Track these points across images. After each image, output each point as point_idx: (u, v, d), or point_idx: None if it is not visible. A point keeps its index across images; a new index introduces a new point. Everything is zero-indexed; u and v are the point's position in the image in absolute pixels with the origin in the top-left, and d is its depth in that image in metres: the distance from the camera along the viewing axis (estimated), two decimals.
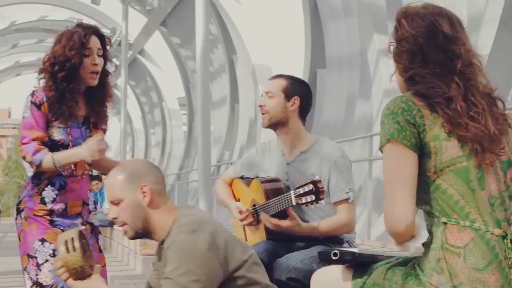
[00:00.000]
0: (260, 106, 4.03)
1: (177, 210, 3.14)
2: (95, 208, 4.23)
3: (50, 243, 3.95)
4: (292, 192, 3.72)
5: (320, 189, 3.62)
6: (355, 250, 2.64)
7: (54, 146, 3.96)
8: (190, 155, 31.01)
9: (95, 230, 4.16)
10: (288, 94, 4.00)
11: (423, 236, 2.62)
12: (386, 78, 14.00)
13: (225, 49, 25.37)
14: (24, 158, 3.94)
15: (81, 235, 3.11)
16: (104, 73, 4.14)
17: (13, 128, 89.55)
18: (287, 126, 4.01)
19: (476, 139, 2.49)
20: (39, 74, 4.06)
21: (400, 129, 2.49)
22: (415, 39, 2.57)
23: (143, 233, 3.15)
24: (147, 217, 3.10)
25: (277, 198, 3.84)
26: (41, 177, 4.00)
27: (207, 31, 8.33)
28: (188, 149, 31.71)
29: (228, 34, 25.07)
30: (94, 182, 14.76)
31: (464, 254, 2.45)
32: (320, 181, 3.65)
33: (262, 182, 4.00)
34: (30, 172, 3.97)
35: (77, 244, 3.05)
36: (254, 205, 4.04)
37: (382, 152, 2.54)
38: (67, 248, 3.05)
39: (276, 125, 4.03)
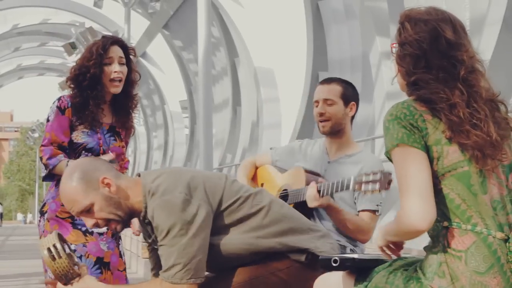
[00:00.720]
0: (320, 114, 4.00)
1: (139, 180, 3.19)
2: None
3: (71, 243, 3.98)
4: (352, 177, 3.61)
5: (389, 180, 3.50)
6: (355, 255, 2.63)
7: (75, 150, 4.12)
8: (192, 158, 31.00)
9: (115, 235, 4.20)
10: (346, 100, 4.03)
11: (425, 239, 2.61)
12: (388, 81, 13.98)
13: (227, 52, 25.38)
14: (41, 159, 4.11)
15: (60, 237, 3.11)
16: (129, 83, 4.30)
17: (15, 131, 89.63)
18: (342, 131, 4.04)
19: (477, 146, 2.49)
20: (66, 83, 4.27)
21: (409, 133, 2.49)
22: (418, 44, 2.57)
23: (128, 219, 3.19)
24: (122, 204, 3.13)
25: (331, 182, 3.78)
26: (53, 179, 4.12)
27: (209, 34, 8.33)
28: (190, 152, 31.71)
29: (230, 37, 25.07)
30: None
31: (466, 258, 2.45)
32: (390, 173, 3.58)
33: (305, 170, 4.00)
34: (43, 173, 4.13)
35: (60, 248, 3.04)
36: (285, 190, 4.04)
37: (389, 157, 2.53)
38: (51, 256, 3.04)
39: (335, 131, 4.04)
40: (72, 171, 3.14)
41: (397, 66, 2.64)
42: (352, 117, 4.07)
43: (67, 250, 3.09)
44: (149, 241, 3.27)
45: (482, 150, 2.49)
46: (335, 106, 4.00)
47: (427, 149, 2.49)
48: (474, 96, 2.54)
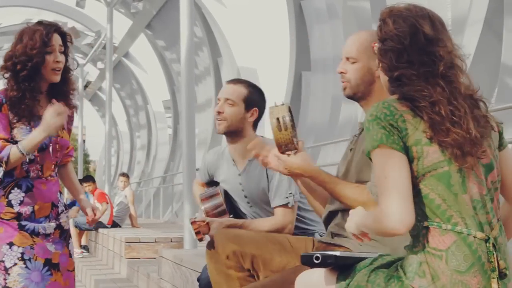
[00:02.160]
0: (218, 112, 4.00)
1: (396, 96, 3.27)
2: (67, 210, 4.16)
3: (18, 246, 3.91)
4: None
5: None
6: (337, 253, 2.64)
7: None
8: (175, 158, 30.97)
9: (64, 234, 4.08)
10: (248, 104, 4.01)
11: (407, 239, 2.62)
12: None
13: (210, 52, 25.36)
14: None
15: (289, 109, 3.22)
16: (66, 70, 4.08)
17: None
18: (241, 135, 4.04)
19: (456, 144, 2.50)
20: (2, 72, 4.01)
21: (388, 134, 2.50)
22: (399, 39, 2.58)
23: (359, 97, 3.32)
24: (371, 85, 3.28)
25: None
26: (13, 177, 3.94)
27: (192, 33, 8.32)
28: (173, 152, 31.67)
29: (213, 37, 25.06)
30: (86, 184, 14.73)
31: (446, 257, 2.46)
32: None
33: (201, 200, 4.11)
34: (0, 172, 3.93)
35: (287, 121, 3.17)
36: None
37: (370, 157, 2.54)
38: (278, 125, 3.16)
39: (231, 133, 4.05)
40: (375, 35, 3.24)
41: (379, 63, 2.65)
42: (255, 123, 4.05)
43: (292, 123, 3.22)
44: (356, 134, 3.37)
45: (461, 148, 2.50)
46: (234, 108, 3.99)
47: (406, 150, 2.50)
48: (453, 93, 2.56)
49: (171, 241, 9.48)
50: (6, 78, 3.98)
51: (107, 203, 14.31)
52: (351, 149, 3.36)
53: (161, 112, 35.72)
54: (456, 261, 2.46)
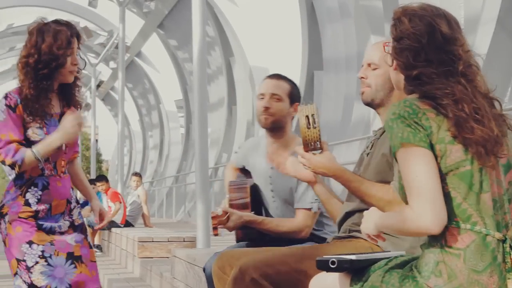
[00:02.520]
0: (266, 107, 4.04)
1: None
2: (78, 205, 4.19)
3: (38, 244, 3.92)
4: None
5: None
6: (353, 257, 2.63)
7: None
8: (188, 157, 31.00)
9: (79, 228, 4.10)
10: (292, 99, 4.06)
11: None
12: None
13: (222, 51, 25.38)
14: (3, 162, 3.89)
15: (317, 111, 3.27)
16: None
17: None
18: (283, 130, 4.09)
19: (481, 142, 2.48)
20: (18, 68, 4.00)
21: (414, 131, 2.47)
22: (416, 37, 2.57)
23: (378, 104, 3.37)
24: (390, 92, 3.32)
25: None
26: (23, 179, 3.96)
27: (204, 33, 8.32)
28: (186, 151, 31.71)
29: (225, 36, 25.08)
30: (100, 183, 14.77)
31: (464, 256, 2.45)
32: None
33: (229, 188, 4.14)
34: (12, 175, 3.95)
35: (316, 120, 3.21)
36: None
37: (395, 157, 2.53)
38: (307, 123, 3.21)
39: (275, 128, 4.07)
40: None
41: (394, 62, 2.64)
42: (292, 118, 4.10)
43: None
44: (372, 139, 3.39)
45: (485, 146, 2.48)
46: (281, 103, 4.03)
47: (432, 148, 2.49)
48: (474, 92, 2.55)
49: (184, 241, 9.49)
50: (22, 75, 3.97)
51: (120, 202, 14.34)
52: (367, 154, 3.37)
53: (173, 112, 35.77)
54: (473, 260, 2.45)
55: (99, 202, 4.29)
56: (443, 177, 2.49)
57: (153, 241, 9.85)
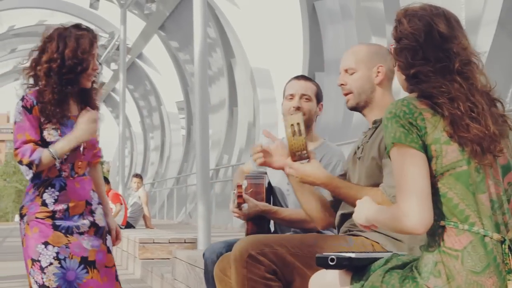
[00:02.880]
0: (298, 107, 4.14)
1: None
2: (100, 206, 4.19)
3: (54, 246, 3.95)
4: None
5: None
6: (352, 255, 2.64)
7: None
8: (189, 159, 31.00)
9: (100, 231, 4.11)
10: (318, 99, 4.22)
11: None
12: None
13: (223, 53, 25.38)
14: (20, 162, 3.94)
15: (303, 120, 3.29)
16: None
17: (12, 133, 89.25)
18: (310, 128, 4.24)
19: (476, 140, 2.49)
20: (29, 75, 4.03)
21: (407, 132, 2.49)
22: (414, 37, 2.59)
23: (362, 106, 3.41)
24: (372, 93, 3.38)
25: None
26: (40, 178, 3.99)
27: (205, 34, 8.32)
28: (187, 153, 31.71)
29: (226, 38, 25.08)
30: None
31: (462, 257, 2.45)
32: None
33: (246, 177, 4.20)
34: (29, 174, 3.98)
35: (302, 129, 3.23)
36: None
37: (389, 156, 2.54)
38: (293, 132, 3.23)
39: (306, 127, 4.14)
40: (370, 45, 3.49)
41: (396, 62, 2.66)
42: (316, 117, 4.25)
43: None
44: (361, 143, 3.40)
45: (481, 144, 2.49)
46: (310, 103, 4.18)
47: (425, 149, 2.49)
48: (470, 89, 2.55)
49: (185, 242, 9.49)
50: (43, 80, 3.98)
51: (121, 204, 14.34)
52: (359, 158, 3.38)
53: (174, 113, 35.78)
54: (471, 261, 2.45)
55: (114, 220, 4.29)
56: (439, 177, 2.50)
57: (154, 243, 9.85)
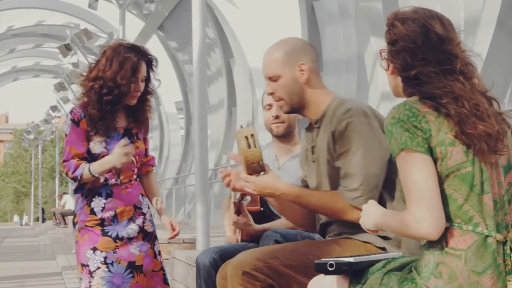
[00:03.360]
0: (276, 116, 4.13)
1: (332, 94, 3.37)
2: (149, 210, 4.35)
3: (102, 251, 4.13)
4: None
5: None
6: (351, 259, 2.62)
7: (94, 159, 4.13)
8: (188, 159, 31.00)
9: (148, 236, 4.28)
10: None
11: None
12: (383, 81, 14.01)
13: (222, 53, 25.39)
14: (67, 174, 4.14)
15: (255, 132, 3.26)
16: (146, 92, 4.28)
17: (10, 133, 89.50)
18: (293, 134, 4.23)
19: (484, 137, 2.49)
20: (81, 86, 4.20)
21: (412, 136, 2.47)
22: (411, 39, 2.57)
23: (298, 108, 3.34)
24: (303, 93, 3.30)
25: None
26: (83, 189, 4.19)
27: (204, 35, 8.32)
28: (186, 153, 31.71)
29: (225, 38, 25.08)
30: None
31: (465, 257, 2.45)
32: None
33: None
34: (74, 185, 4.23)
35: (256, 140, 3.17)
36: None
37: (395, 161, 2.53)
38: (248, 144, 3.16)
39: (287, 134, 4.21)
40: (286, 43, 3.36)
41: (390, 65, 2.64)
42: (298, 121, 4.21)
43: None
44: (310, 145, 3.36)
45: (488, 142, 2.49)
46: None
47: (430, 151, 2.49)
48: (472, 89, 2.55)
49: (183, 242, 9.47)
50: (87, 96, 4.16)
51: None
52: (313, 161, 3.34)
53: (173, 113, 35.77)
54: (474, 261, 2.45)
55: (168, 216, 4.41)
56: (444, 179, 2.49)
57: None
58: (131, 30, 28.72)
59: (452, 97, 2.51)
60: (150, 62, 4.24)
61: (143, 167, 4.33)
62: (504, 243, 2.48)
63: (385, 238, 3.19)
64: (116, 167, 4.08)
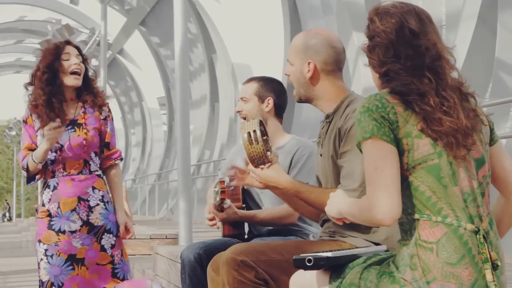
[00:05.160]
0: (238, 112, 4.24)
1: (347, 90, 3.40)
2: (101, 204, 4.38)
3: (44, 243, 4.31)
4: None
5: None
6: (329, 254, 2.64)
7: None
8: (171, 155, 30.97)
9: (94, 230, 4.33)
10: (261, 96, 4.20)
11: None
12: (365, 76, 14.04)
13: (204, 48, 25.36)
14: (22, 168, 4.36)
15: (261, 123, 3.27)
16: (89, 79, 4.49)
17: None
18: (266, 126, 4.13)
19: (451, 132, 2.52)
20: (30, 85, 4.43)
21: (379, 125, 2.51)
22: (385, 34, 2.60)
23: (306, 100, 3.44)
24: (309, 88, 3.38)
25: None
26: (34, 180, 4.41)
27: (186, 30, 8.30)
28: (169, 148, 31.67)
29: (207, 33, 25.06)
30: None
31: (437, 249, 2.47)
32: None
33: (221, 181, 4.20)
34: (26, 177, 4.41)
35: (259, 135, 3.20)
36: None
37: (360, 148, 2.55)
38: (250, 139, 3.20)
39: None
40: (311, 35, 3.41)
41: (369, 60, 2.67)
42: (278, 111, 4.22)
43: (265, 137, 3.27)
44: (320, 138, 3.39)
45: (455, 136, 2.52)
46: (249, 103, 4.21)
47: (397, 142, 2.52)
48: (441, 84, 2.58)
49: (166, 238, 9.49)
50: (33, 88, 4.40)
51: None
52: (321, 155, 3.38)
53: (156, 109, 35.71)
54: (446, 253, 2.47)
55: (124, 215, 4.46)
56: (411, 170, 2.52)
57: (135, 239, 9.83)
58: (113, 25, 28.67)
59: (418, 93, 2.54)
60: (78, 48, 4.45)
61: (104, 161, 4.46)
62: (477, 233, 2.50)
63: (376, 244, 3.20)
64: (47, 146, 4.21)
